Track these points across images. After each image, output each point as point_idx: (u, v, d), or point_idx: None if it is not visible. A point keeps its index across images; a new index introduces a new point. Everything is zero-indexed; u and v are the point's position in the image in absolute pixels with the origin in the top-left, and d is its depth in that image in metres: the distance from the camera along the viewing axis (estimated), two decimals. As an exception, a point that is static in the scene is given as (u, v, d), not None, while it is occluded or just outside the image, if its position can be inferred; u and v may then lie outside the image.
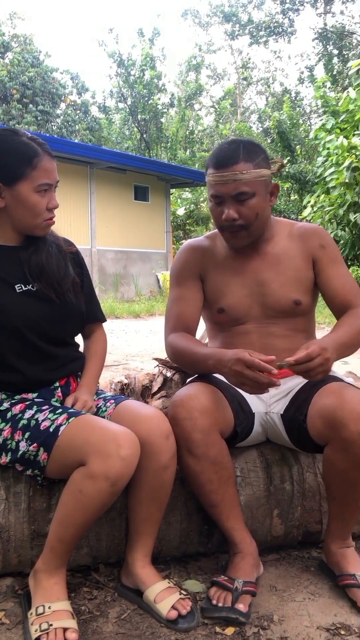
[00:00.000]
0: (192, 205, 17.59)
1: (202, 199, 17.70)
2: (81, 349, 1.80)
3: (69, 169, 11.49)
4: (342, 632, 1.42)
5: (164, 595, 1.48)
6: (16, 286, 1.58)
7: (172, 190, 16.03)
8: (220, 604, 1.48)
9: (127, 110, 22.80)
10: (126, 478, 1.39)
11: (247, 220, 1.66)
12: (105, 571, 1.67)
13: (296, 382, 1.72)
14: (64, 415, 1.48)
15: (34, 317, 1.57)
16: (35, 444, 1.46)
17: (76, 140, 19.52)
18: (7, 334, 1.54)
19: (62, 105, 23.06)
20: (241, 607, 1.46)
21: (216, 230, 1.83)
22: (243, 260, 1.79)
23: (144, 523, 1.55)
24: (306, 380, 1.64)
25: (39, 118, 21.09)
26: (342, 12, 27.44)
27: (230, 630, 1.43)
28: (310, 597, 1.58)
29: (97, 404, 1.67)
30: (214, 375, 1.71)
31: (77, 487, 1.38)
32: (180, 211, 17.54)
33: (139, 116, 21.75)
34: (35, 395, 1.60)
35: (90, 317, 1.78)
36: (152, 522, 1.55)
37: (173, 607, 1.45)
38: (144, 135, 21.89)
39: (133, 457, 1.40)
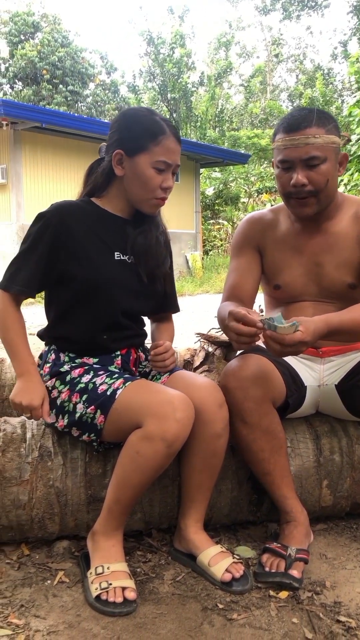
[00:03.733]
0: (221, 185, 17.42)
1: (231, 179, 17.52)
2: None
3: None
4: None
5: (218, 559, 1.51)
6: (115, 253, 1.64)
7: (202, 170, 15.89)
8: (273, 570, 1.51)
9: (157, 89, 22.61)
10: (182, 440, 1.43)
11: (317, 186, 1.64)
12: (158, 536, 1.71)
13: (352, 357, 1.74)
14: (121, 380, 1.52)
15: (121, 285, 1.63)
16: (92, 407, 1.50)
17: (105, 120, 19.46)
18: (92, 293, 1.60)
19: (92, 85, 23.00)
20: (295, 573, 1.48)
21: (281, 204, 1.81)
22: (303, 238, 1.77)
23: (197, 490, 1.58)
24: None
25: (68, 98, 21.08)
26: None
27: (284, 594, 1.46)
28: (361, 566, 1.60)
29: (152, 370, 1.70)
30: (264, 347, 1.72)
31: (135, 448, 1.41)
32: (209, 191, 17.39)
33: (169, 95, 21.54)
34: (95, 360, 1.64)
35: (168, 305, 1.84)
36: (204, 490, 1.58)
37: (227, 570, 1.49)
38: (174, 115, 21.71)
39: (188, 420, 1.43)
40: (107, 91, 23.15)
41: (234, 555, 1.56)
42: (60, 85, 21.01)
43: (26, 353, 1.60)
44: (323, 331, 1.46)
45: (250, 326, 1.43)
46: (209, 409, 1.52)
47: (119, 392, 1.49)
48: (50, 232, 1.58)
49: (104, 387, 1.52)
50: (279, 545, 1.57)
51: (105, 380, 1.54)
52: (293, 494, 1.64)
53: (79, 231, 1.60)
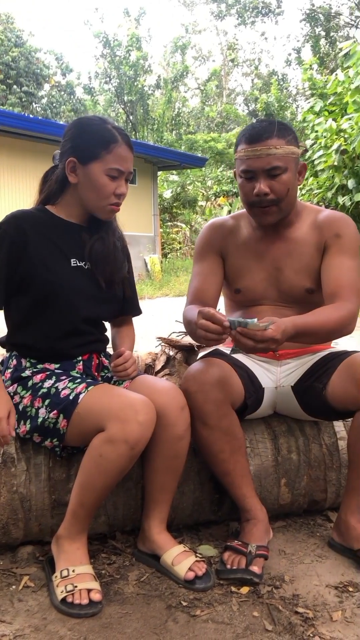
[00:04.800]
0: (179, 188, 17.53)
1: (188, 182, 17.65)
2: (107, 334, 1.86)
3: (54, 151, 11.36)
4: (350, 589, 1.51)
5: (181, 558, 1.56)
6: (71, 260, 1.66)
7: (159, 173, 15.96)
8: (235, 567, 1.56)
9: (113, 91, 22.58)
10: (144, 442, 1.46)
11: (279, 195, 1.69)
12: (121, 538, 1.74)
13: (307, 359, 1.81)
14: (83, 384, 1.54)
15: (79, 292, 1.65)
16: (55, 411, 1.52)
17: (61, 122, 19.31)
18: (50, 300, 1.61)
19: (47, 86, 22.78)
20: (255, 569, 1.54)
21: (242, 210, 1.87)
22: (263, 244, 1.83)
23: (160, 491, 1.62)
24: (320, 355, 1.75)
25: (23, 99, 20.82)
26: (328, -7, 27.21)
27: (245, 590, 1.51)
28: (318, 560, 1.67)
29: (114, 379, 1.73)
30: (225, 351, 1.78)
31: (98, 451, 1.44)
32: (167, 194, 17.49)
33: (125, 97, 21.56)
34: (57, 366, 1.66)
35: (129, 309, 1.86)
36: (167, 491, 1.62)
37: (190, 569, 1.53)
38: (130, 117, 21.72)
39: (150, 422, 1.47)
40: (62, 92, 22.98)
41: (197, 554, 1.60)
42: (15, 86, 20.74)
43: None
44: (291, 332, 1.50)
45: (217, 324, 1.46)
46: (171, 412, 1.56)
47: (81, 396, 1.51)
48: (7, 242, 1.59)
49: (67, 391, 1.54)
50: (239, 542, 1.62)
51: (68, 385, 1.56)
52: (253, 492, 1.69)
53: (35, 239, 1.62)
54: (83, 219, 1.71)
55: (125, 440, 1.42)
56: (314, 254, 1.78)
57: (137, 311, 1.91)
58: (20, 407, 1.60)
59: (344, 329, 1.63)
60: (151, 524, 1.63)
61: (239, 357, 1.79)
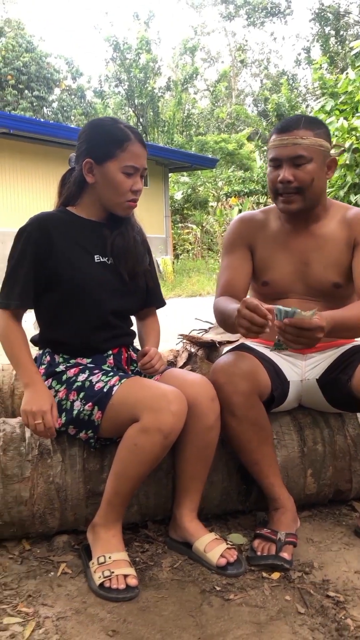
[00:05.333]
0: (190, 189, 17.58)
1: (199, 183, 17.70)
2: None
3: (68, 155, 11.45)
4: (379, 575, 1.55)
5: (213, 546, 1.60)
6: (95, 256, 1.73)
7: (170, 175, 16.02)
8: (265, 553, 1.60)
9: (123, 94, 22.69)
10: (177, 431, 1.52)
11: (302, 183, 1.74)
12: (153, 527, 1.80)
13: (330, 353, 1.85)
14: (116, 377, 1.60)
15: (105, 286, 1.71)
16: (90, 404, 1.58)
17: (72, 126, 19.45)
18: (78, 296, 1.68)
19: (57, 91, 22.94)
20: (285, 555, 1.58)
21: (271, 205, 1.93)
22: (293, 238, 1.87)
23: (191, 480, 1.67)
24: (345, 349, 1.81)
25: (34, 104, 20.99)
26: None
27: (276, 575, 1.56)
28: (345, 547, 1.71)
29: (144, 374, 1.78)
30: (251, 346, 1.83)
31: (133, 441, 1.50)
32: (178, 195, 17.54)
33: (136, 100, 21.65)
34: (88, 360, 1.72)
35: (153, 300, 1.92)
36: (198, 480, 1.67)
37: (222, 556, 1.58)
38: (141, 120, 21.81)
39: (182, 412, 1.53)
40: (73, 96, 23.13)
41: (228, 542, 1.65)
42: (26, 91, 20.91)
43: (30, 364, 1.67)
44: (331, 324, 1.53)
45: (262, 316, 1.48)
46: (201, 402, 1.61)
47: (115, 388, 1.57)
48: (33, 244, 1.66)
49: (101, 384, 1.60)
50: (269, 530, 1.66)
51: (102, 378, 1.62)
52: (280, 482, 1.74)
53: (59, 240, 1.68)
54: (103, 217, 1.77)
55: (159, 430, 1.47)
56: (343, 250, 1.82)
57: (161, 302, 1.96)
58: (56, 401, 1.66)
59: None
60: (183, 513, 1.68)
61: (266, 351, 1.84)
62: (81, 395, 1.61)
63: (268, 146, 1.82)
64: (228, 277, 1.92)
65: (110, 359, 1.74)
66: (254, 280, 1.95)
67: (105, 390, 1.58)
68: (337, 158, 1.83)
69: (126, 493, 1.56)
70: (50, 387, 1.68)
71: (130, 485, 1.55)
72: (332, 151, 1.84)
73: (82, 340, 1.72)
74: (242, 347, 1.81)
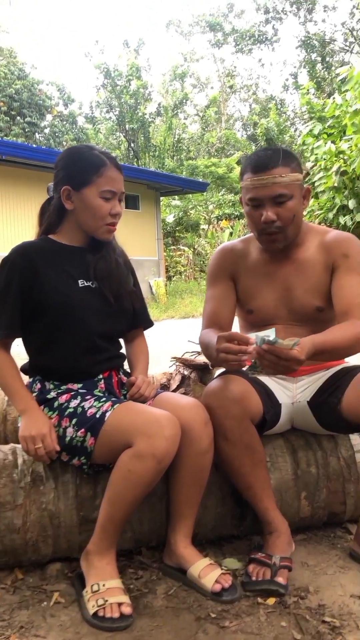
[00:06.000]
0: (181, 212, 17.74)
1: (190, 207, 17.86)
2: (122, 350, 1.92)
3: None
4: (375, 598, 1.54)
5: (207, 571, 1.59)
6: (79, 280, 1.74)
7: (162, 199, 16.17)
8: (260, 578, 1.59)
9: (114, 120, 22.98)
10: (171, 456, 1.52)
11: (285, 222, 1.77)
12: (147, 554, 1.78)
13: (320, 375, 1.86)
14: (109, 403, 1.60)
15: (92, 310, 1.72)
16: (82, 430, 1.58)
17: (64, 151, 19.64)
18: (65, 321, 1.69)
19: (49, 117, 23.20)
20: (281, 579, 1.57)
21: (250, 234, 1.94)
22: (273, 265, 1.90)
23: (185, 505, 1.66)
24: (334, 371, 1.80)
25: (26, 130, 21.19)
26: (323, 21, 27.83)
27: (271, 601, 1.54)
28: (341, 571, 1.70)
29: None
30: (243, 369, 1.83)
31: (126, 467, 1.49)
32: (170, 218, 17.70)
33: (127, 126, 21.93)
34: (79, 386, 1.72)
35: (140, 321, 1.93)
36: (192, 505, 1.67)
37: (216, 581, 1.56)
38: (132, 144, 22.08)
39: (175, 437, 1.52)
40: (64, 122, 23.38)
41: (222, 567, 1.64)
42: (18, 117, 21.13)
43: (24, 391, 1.68)
44: (311, 351, 1.54)
45: (242, 344, 1.49)
46: (195, 427, 1.61)
47: (108, 414, 1.57)
48: (17, 273, 1.68)
49: (93, 410, 1.60)
50: (263, 555, 1.65)
51: (94, 404, 1.62)
52: (274, 505, 1.73)
53: (43, 268, 1.70)
54: (85, 242, 1.79)
55: (153, 455, 1.47)
56: (322, 274, 1.84)
57: (149, 323, 1.97)
58: None
59: (358, 345, 1.68)
60: (177, 538, 1.66)
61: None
62: (74, 421, 1.61)
63: (243, 185, 1.81)
64: (213, 309, 1.94)
65: (102, 384, 1.74)
66: (240, 309, 1.97)
67: (97, 416, 1.58)
68: (310, 187, 1.86)
69: (120, 519, 1.55)
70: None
71: (124, 511, 1.54)
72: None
73: (72, 365, 1.72)
74: (234, 371, 1.82)
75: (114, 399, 1.65)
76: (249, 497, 1.72)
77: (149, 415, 1.53)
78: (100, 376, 1.75)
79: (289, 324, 1.88)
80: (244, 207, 1.85)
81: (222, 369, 1.99)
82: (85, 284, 1.75)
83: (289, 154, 1.79)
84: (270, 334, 1.47)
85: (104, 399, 1.64)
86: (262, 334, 1.48)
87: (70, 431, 1.60)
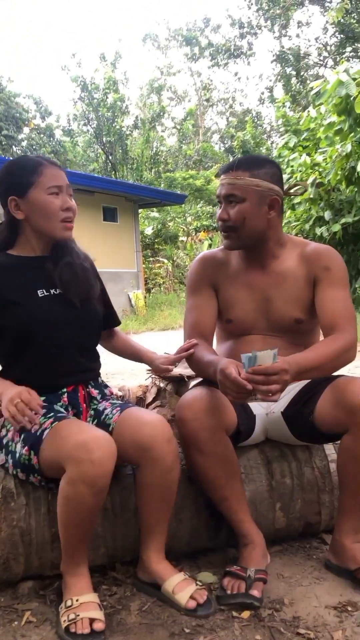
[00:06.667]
0: (160, 224, 17.79)
1: (169, 219, 17.92)
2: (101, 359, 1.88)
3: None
4: (349, 609, 1.54)
5: (182, 587, 1.57)
6: (38, 291, 1.70)
7: (140, 211, 16.20)
8: (235, 592, 1.58)
9: (92, 132, 23.02)
10: (103, 479, 1.45)
11: (235, 222, 1.80)
12: (122, 569, 1.75)
13: (294, 385, 1.86)
14: (50, 420, 1.57)
15: (54, 320, 1.68)
16: (26, 447, 1.56)
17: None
18: (25, 337, 1.65)
19: (26, 130, 23.16)
20: (255, 592, 1.56)
21: None
22: (253, 275, 1.90)
23: (155, 522, 1.63)
24: (307, 381, 1.79)
25: (3, 143, 21.13)
26: (297, 36, 28.49)
27: (246, 614, 1.53)
28: (316, 582, 1.70)
29: (105, 408, 1.75)
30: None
31: (63, 493, 1.47)
32: (148, 230, 17.72)
33: (104, 138, 21.98)
34: (42, 399, 1.65)
35: (111, 321, 1.94)
36: (162, 521, 1.64)
37: (191, 597, 1.54)
38: (110, 157, 22.12)
39: (105, 459, 1.45)
40: (42, 135, 23.36)
41: (197, 582, 1.62)
42: (-5, 130, 21.05)
43: None
44: (296, 369, 1.53)
45: (242, 387, 1.49)
46: (157, 445, 1.57)
47: (45, 432, 1.53)
48: None
49: (36, 427, 1.56)
50: (238, 567, 1.64)
51: (40, 420, 1.58)
52: (249, 517, 1.72)
53: (2, 284, 1.67)
54: (45, 250, 1.76)
55: (83, 481, 1.42)
56: (303, 286, 1.84)
57: (118, 321, 2.00)
58: (4, 441, 1.64)
59: (345, 359, 1.69)
60: (150, 554, 1.64)
61: None
62: (22, 437, 1.59)
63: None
64: (195, 318, 1.93)
65: (65, 397, 1.71)
66: (219, 318, 1.97)
67: (38, 434, 1.55)
68: (289, 196, 1.92)
69: (76, 541, 1.52)
70: (2, 426, 1.67)
71: (77, 533, 1.51)
72: (295, 189, 1.95)
73: (33, 378, 1.67)
74: (209, 382, 1.82)
75: (59, 415, 1.60)
76: (224, 510, 1.71)
77: (76, 438, 1.46)
78: (64, 390, 1.72)
79: (268, 334, 1.88)
80: None
81: (197, 380, 1.99)
82: (45, 293, 1.71)
83: (256, 161, 1.83)
84: (253, 353, 1.48)
85: (51, 414, 1.59)
86: (244, 356, 1.49)
87: (19, 447, 1.58)
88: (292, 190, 2.08)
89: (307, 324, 1.86)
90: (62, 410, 1.67)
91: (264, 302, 1.88)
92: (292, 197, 10.40)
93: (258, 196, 1.80)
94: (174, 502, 1.66)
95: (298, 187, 2.05)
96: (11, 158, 17.56)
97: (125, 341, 2.03)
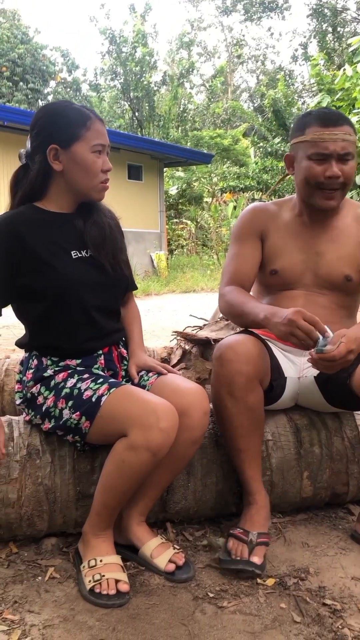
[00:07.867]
0: (185, 184, 17.50)
1: (194, 179, 17.62)
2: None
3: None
4: (377, 582, 1.51)
5: (160, 551, 1.56)
6: (72, 252, 1.63)
7: (165, 170, 15.93)
8: (238, 556, 1.55)
9: (119, 88, 22.52)
10: (166, 449, 1.44)
11: (348, 180, 1.72)
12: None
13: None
14: (105, 386, 1.52)
15: (88, 283, 1.62)
16: (77, 413, 1.51)
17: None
18: (62, 299, 1.59)
19: (52, 83, 22.79)
20: (256, 559, 1.53)
21: (284, 198, 1.91)
22: (306, 228, 1.84)
23: (153, 486, 1.59)
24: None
25: (29, 96, 20.82)
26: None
27: (271, 582, 1.51)
28: (342, 552, 1.67)
29: (140, 373, 1.72)
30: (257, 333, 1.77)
31: (120, 457, 1.43)
32: (173, 190, 17.47)
33: (131, 94, 21.50)
34: (78, 362, 1.64)
35: (129, 285, 1.83)
36: (160, 487, 1.61)
37: (170, 561, 1.53)
38: (136, 114, 21.69)
39: (172, 429, 1.44)
40: (68, 89, 22.96)
41: (174, 546, 1.59)
42: (21, 83, 20.73)
43: None
44: (354, 346, 1.50)
45: (320, 330, 1.50)
46: (193, 415, 1.53)
47: (103, 399, 1.49)
48: (3, 248, 1.56)
49: (89, 392, 1.52)
50: (241, 530, 1.61)
51: (90, 386, 1.53)
52: (259, 476, 1.69)
53: (31, 240, 1.58)
54: (72, 207, 1.68)
55: (147, 448, 1.40)
56: (356, 245, 1.80)
57: (135, 285, 1.88)
58: (44, 408, 1.59)
59: None
60: (132, 514, 1.60)
61: (268, 342, 1.81)
62: (69, 403, 1.54)
63: (308, 138, 1.72)
64: (236, 266, 1.86)
65: (101, 359, 1.67)
66: (261, 270, 1.89)
67: (93, 400, 1.50)
68: None
69: (114, 505, 1.50)
70: (39, 393, 1.61)
71: (118, 499, 1.49)
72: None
73: (70, 342, 1.63)
74: (250, 332, 1.77)
75: (111, 380, 1.56)
76: (238, 463, 1.67)
77: (145, 404, 1.44)
78: (100, 352, 1.68)
79: (311, 292, 1.82)
80: (299, 163, 1.77)
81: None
82: (79, 255, 1.64)
83: (346, 117, 1.76)
84: (322, 341, 1.50)
85: (101, 380, 1.55)
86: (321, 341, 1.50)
87: (66, 413, 1.54)
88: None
89: (355, 284, 1.81)
90: (101, 372, 1.63)
91: (314, 255, 1.82)
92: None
93: (356, 153, 1.75)
94: (179, 473, 1.64)
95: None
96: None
97: (126, 317, 1.84)
